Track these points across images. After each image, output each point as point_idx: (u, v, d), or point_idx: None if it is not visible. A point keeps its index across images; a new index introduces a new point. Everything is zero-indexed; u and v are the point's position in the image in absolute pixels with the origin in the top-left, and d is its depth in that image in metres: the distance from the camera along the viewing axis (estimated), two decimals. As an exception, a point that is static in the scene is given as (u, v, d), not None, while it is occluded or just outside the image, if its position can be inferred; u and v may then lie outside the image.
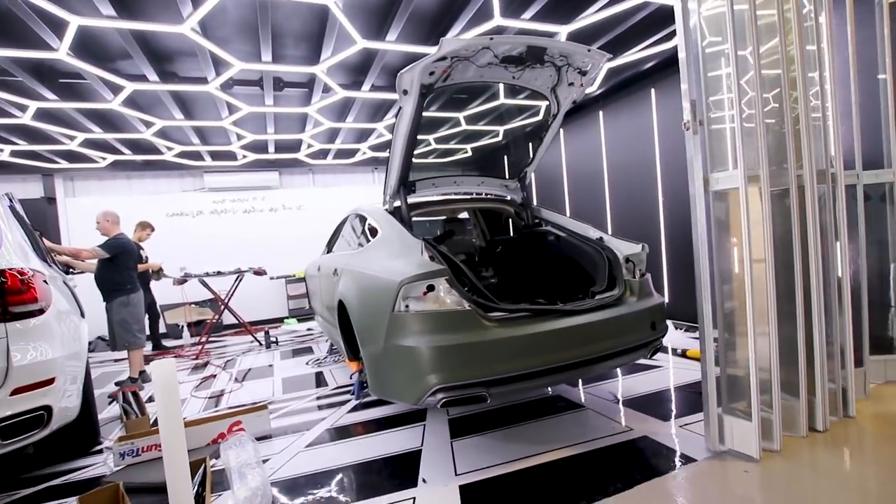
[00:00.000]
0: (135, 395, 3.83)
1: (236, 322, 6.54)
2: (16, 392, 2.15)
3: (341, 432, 2.89)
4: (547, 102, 3.16)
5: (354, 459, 2.48)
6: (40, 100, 4.53)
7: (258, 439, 2.78)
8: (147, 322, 6.04)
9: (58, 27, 3.30)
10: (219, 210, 7.75)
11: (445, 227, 3.96)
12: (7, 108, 4.74)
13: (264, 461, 2.49)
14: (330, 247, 4.79)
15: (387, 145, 7.63)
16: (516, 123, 6.42)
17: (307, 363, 4.82)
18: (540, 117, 3.44)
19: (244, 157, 7.46)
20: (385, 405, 3.21)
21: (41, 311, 2.34)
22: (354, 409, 3.28)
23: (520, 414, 2.89)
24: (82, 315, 3.19)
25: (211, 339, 6.45)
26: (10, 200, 3.06)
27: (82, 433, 2.87)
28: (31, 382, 2.21)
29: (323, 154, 7.95)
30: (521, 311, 2.29)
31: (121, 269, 4.38)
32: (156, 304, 6.19)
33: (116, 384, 4.29)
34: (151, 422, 3.20)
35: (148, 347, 6.02)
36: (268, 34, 3.68)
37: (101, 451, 2.93)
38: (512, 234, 4.01)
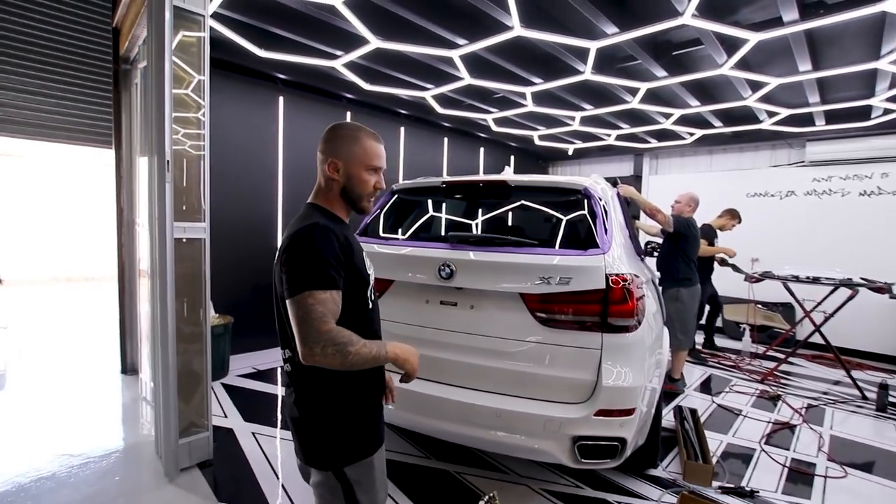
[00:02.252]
0: (694, 415, 3.26)
1: (818, 343, 4.74)
2: (599, 413, 1.90)
3: None
4: None
5: None
6: (651, 79, 4.50)
7: None
8: (706, 313, 5.42)
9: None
10: (819, 190, 5.81)
11: None
12: (621, 94, 5.09)
13: None
14: None
15: None
16: None
17: None
18: None
19: (885, 111, 5.07)
20: None
21: (632, 328, 1.98)
22: None
23: None
24: (663, 316, 2.81)
25: (779, 356, 5.06)
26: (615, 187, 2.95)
27: (644, 450, 2.46)
28: (612, 408, 1.91)
29: None
30: None
31: (678, 254, 3.84)
32: (717, 295, 5.39)
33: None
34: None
35: (699, 339, 5.45)
36: None
37: (655, 479, 2.51)
38: None
